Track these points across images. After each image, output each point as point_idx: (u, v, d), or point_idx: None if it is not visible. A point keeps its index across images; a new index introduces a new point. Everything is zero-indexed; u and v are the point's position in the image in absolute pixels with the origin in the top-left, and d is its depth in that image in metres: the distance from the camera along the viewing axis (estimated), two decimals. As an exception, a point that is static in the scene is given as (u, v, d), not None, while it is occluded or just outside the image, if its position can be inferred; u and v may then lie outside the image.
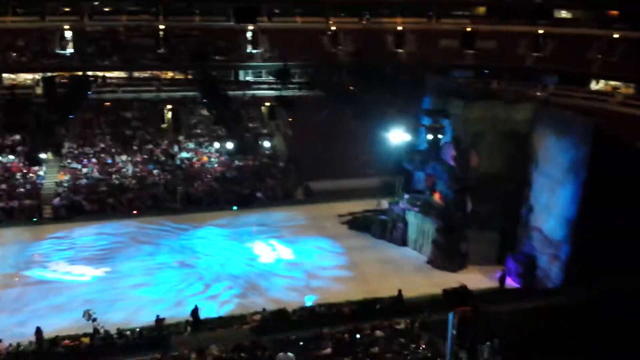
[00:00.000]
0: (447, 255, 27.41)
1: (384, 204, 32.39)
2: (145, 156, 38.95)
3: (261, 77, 49.25)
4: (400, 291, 23.26)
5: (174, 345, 19.77)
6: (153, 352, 19.23)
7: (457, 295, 23.83)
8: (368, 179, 37.52)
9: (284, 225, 33.32)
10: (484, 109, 27.90)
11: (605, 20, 48.89)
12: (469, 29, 51.39)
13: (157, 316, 21.98)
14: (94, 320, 20.86)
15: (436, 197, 29.28)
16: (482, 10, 54.35)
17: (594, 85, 47.86)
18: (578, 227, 22.97)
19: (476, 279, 26.10)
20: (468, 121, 28.03)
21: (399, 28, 51.39)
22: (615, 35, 46.30)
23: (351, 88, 45.50)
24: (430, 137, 29.64)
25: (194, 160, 39.50)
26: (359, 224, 32.37)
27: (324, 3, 51.28)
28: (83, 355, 19.77)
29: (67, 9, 46.35)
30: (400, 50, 50.63)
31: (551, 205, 24.74)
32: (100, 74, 44.68)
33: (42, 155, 33.43)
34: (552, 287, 24.40)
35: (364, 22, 51.79)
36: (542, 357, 17.68)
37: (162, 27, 47.05)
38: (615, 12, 49.48)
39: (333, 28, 50.64)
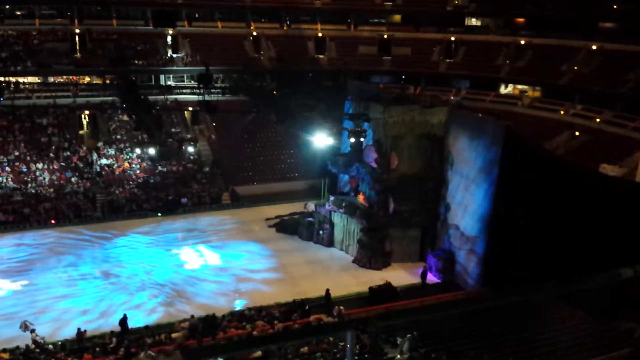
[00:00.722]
0: (372, 254, 28.33)
1: (311, 206, 33.01)
2: (63, 164, 37.56)
3: (183, 81, 48.71)
4: (328, 290, 23.94)
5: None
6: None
7: (383, 292, 24.90)
8: (294, 182, 38.18)
9: (211, 230, 33.22)
10: (402, 113, 29.04)
11: (513, 28, 52.11)
12: (385, 36, 53.17)
13: (79, 329, 21.56)
14: (32, 331, 20.36)
15: (360, 198, 30.19)
16: (397, 18, 56.39)
17: (503, 89, 50.83)
18: (491, 223, 24.46)
19: (400, 275, 27.21)
20: (387, 124, 29.05)
21: (319, 34, 52.38)
22: (522, 42, 49.44)
23: (274, 93, 45.86)
24: (352, 140, 30.38)
25: (115, 166, 38.50)
26: (286, 226, 32.85)
27: (244, 8, 51.44)
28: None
29: (-24, 12, 43.95)
30: (321, 56, 51.60)
31: (466, 203, 26.22)
32: (13, 79, 42.64)
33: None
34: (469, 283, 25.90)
35: (284, 27, 52.38)
36: (460, 349, 18.74)
37: (77, 31, 45.56)
38: (521, 20, 52.84)
39: (254, 33, 50.87)
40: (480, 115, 31.57)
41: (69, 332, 21.96)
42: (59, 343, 20.88)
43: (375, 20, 55.90)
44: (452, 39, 52.14)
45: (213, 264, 29.01)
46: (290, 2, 51.86)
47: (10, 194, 34.30)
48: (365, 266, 28.36)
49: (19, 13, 45.30)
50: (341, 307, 22.16)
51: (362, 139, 29.94)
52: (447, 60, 51.39)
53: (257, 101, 43.67)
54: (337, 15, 54.13)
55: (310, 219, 32.06)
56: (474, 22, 56.17)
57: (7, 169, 36.20)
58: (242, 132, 41.25)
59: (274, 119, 41.11)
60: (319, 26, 53.06)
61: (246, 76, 48.05)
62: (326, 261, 29.41)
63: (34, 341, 20.27)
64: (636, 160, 33.52)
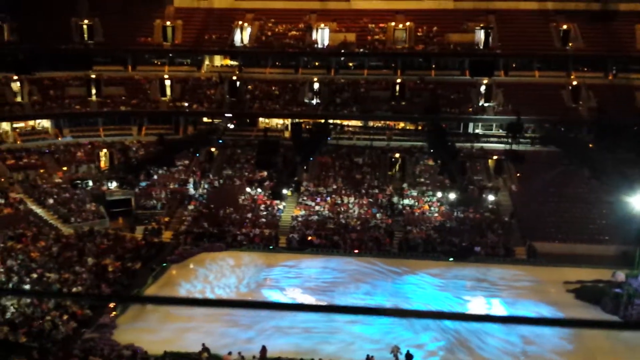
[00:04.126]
0: (696, 345, 23.52)
1: (620, 276, 29.09)
2: (371, 200, 41.16)
3: (491, 130, 48.53)
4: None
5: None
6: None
7: None
8: (603, 246, 34.20)
9: (502, 284, 31.97)
10: None
11: None
12: None
13: (367, 355, 22.93)
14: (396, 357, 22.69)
15: (688, 275, 25.51)
16: None
17: None
18: None
19: None
20: None
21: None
22: None
23: (590, 146, 42.21)
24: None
25: (415, 207, 40.50)
26: (588, 294, 29.54)
27: (565, 57, 48.91)
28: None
29: (317, 63, 51.49)
30: (654, 109, 45.49)
31: None
32: (339, 122, 48.61)
33: (284, 191, 37.39)
34: None
35: (609, 77, 48.00)
36: None
37: (399, 80, 49.46)
38: None
39: (574, 82, 47.85)
40: None
41: (353, 355, 23.59)
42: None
43: None
44: None
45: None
46: (618, 49, 47.46)
47: (324, 222, 39.07)
48: (685, 358, 23.67)
49: (351, 64, 51.47)
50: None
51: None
52: None
53: (569, 153, 40.83)
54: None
55: (618, 290, 28.23)
56: None
57: (326, 199, 41.33)
58: (547, 185, 38.98)
59: (586, 174, 37.86)
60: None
61: (560, 127, 45.41)
62: (632, 341, 25.30)
63: None
64: None
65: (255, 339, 24.86)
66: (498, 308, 29.07)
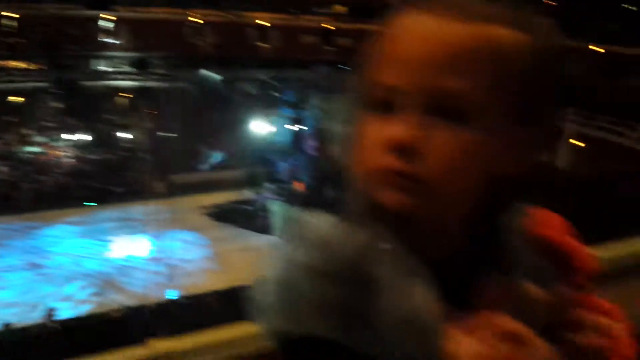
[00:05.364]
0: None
1: (248, 194, 32.85)
2: (-11, 151, 36.04)
3: (119, 67, 47.19)
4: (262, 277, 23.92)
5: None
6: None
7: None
8: (232, 171, 37.72)
9: (144, 219, 32.27)
10: (339, 103, 29.17)
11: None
12: (328, 27, 53.19)
13: (6, 323, 20.58)
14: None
15: (298, 186, 30.29)
16: (342, 9, 56.45)
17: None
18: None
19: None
20: (326, 113, 29.17)
21: (262, 22, 51.87)
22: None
23: (215, 80, 45.24)
24: (291, 128, 30.59)
25: (44, 154, 37.16)
26: (223, 215, 32.55)
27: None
28: None
29: None
30: (263, 44, 51.16)
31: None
32: None
33: None
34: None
35: (225, 14, 51.63)
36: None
37: (11, 15, 43.29)
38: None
39: (194, 20, 49.91)
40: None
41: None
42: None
43: (320, 11, 55.77)
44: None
45: (147, 254, 28.57)
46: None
47: None
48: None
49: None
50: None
51: (301, 127, 30.18)
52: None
53: (198, 88, 43.09)
54: (280, 4, 53.74)
55: (247, 207, 31.91)
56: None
57: None
58: (179, 120, 40.51)
59: (212, 106, 40.62)
60: (261, 14, 52.54)
61: (186, 63, 47.17)
62: (262, 248, 29.21)
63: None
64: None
65: None
66: (141, 243, 29.58)
